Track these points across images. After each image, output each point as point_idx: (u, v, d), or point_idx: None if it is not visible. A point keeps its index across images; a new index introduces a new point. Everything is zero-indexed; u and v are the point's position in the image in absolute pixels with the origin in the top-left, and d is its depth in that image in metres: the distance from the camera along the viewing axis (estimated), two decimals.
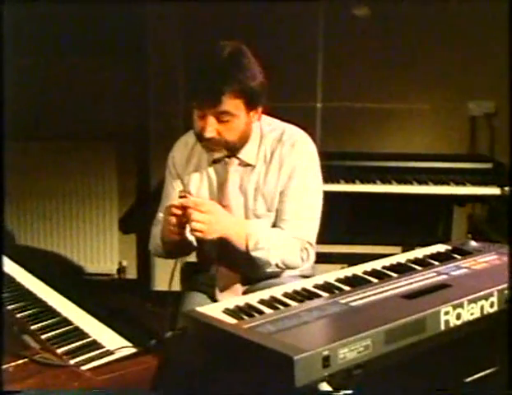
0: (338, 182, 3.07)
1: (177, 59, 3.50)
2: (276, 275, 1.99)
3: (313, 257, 1.98)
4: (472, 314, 1.26)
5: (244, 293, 1.96)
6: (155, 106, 3.63)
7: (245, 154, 1.95)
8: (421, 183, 3.13)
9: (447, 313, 1.23)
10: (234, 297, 1.90)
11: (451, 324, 1.24)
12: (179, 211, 1.76)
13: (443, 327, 1.23)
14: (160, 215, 2.01)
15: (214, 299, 1.98)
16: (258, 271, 1.93)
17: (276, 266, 1.91)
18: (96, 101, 3.63)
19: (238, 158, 1.95)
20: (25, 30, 3.44)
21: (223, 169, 1.97)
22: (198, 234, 1.76)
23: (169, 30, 3.53)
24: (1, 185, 1.60)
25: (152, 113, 3.64)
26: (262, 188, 1.95)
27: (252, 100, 1.83)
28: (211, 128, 1.82)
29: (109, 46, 3.56)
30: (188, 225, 1.77)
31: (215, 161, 1.98)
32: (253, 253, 1.85)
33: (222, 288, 1.98)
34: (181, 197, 1.79)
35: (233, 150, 1.92)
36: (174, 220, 1.77)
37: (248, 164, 1.95)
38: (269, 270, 1.92)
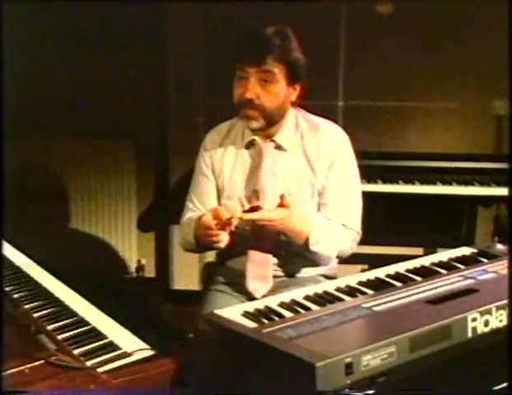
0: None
1: (196, 54, 3.48)
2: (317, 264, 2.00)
3: None
4: (500, 321, 1.22)
5: (275, 285, 1.97)
6: (173, 103, 3.61)
7: (281, 137, 1.99)
8: (444, 183, 3.08)
9: (474, 319, 1.19)
10: (264, 285, 1.96)
11: (479, 331, 1.20)
12: (228, 215, 1.79)
13: (470, 335, 1.19)
14: (189, 205, 2.06)
15: (241, 298, 1.98)
16: (313, 263, 1.97)
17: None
18: (115, 99, 3.61)
19: (273, 141, 1.99)
20: (44, 26, 3.45)
21: (257, 153, 2.00)
22: None
23: (189, 25, 3.51)
24: (1, 185, 1.59)
25: (171, 111, 3.62)
26: (298, 174, 1.97)
27: (293, 71, 1.92)
28: (252, 91, 1.88)
29: (128, 42, 3.54)
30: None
31: (248, 146, 2.02)
32: (313, 248, 1.89)
33: (253, 278, 1.96)
34: (253, 209, 1.80)
35: (270, 121, 1.94)
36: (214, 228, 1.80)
37: (282, 149, 1.99)
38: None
